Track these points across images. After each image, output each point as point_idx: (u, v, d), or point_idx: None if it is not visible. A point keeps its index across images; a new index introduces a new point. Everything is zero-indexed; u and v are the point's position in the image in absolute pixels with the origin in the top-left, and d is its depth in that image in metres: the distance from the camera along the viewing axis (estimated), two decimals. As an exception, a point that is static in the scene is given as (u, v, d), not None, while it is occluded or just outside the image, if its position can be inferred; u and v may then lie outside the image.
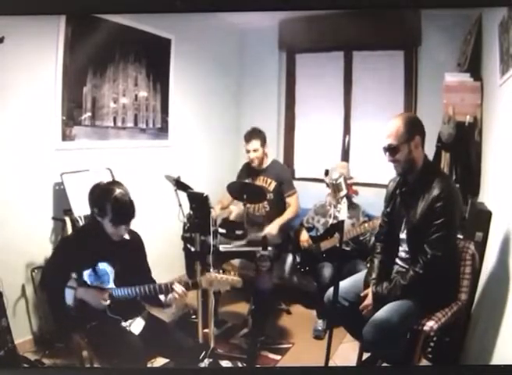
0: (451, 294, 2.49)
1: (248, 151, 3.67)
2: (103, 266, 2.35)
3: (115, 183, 2.46)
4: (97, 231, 2.39)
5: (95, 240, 2.38)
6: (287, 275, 4.13)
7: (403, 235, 2.49)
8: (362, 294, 2.50)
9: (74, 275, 2.34)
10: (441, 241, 2.29)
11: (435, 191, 2.29)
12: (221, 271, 2.45)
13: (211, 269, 2.49)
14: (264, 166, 3.74)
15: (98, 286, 2.34)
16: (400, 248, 2.52)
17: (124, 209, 2.33)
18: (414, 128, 2.36)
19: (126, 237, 2.48)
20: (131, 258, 2.47)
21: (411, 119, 2.41)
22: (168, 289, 2.38)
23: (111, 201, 2.30)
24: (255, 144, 3.64)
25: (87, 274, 2.34)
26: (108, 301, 2.32)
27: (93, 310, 2.32)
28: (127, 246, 2.47)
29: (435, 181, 2.32)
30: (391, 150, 2.37)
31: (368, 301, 2.45)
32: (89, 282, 2.34)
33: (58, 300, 2.34)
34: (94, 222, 2.40)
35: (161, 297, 2.44)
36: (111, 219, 2.32)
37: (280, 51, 4.58)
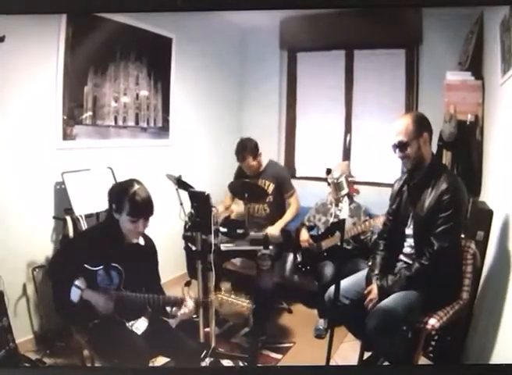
0: (454, 292, 2.50)
1: (243, 167, 3.64)
2: (114, 268, 2.33)
3: (134, 180, 2.43)
4: (113, 232, 2.36)
5: (109, 240, 2.36)
6: (288, 274, 4.13)
7: (409, 230, 2.51)
8: (366, 291, 2.50)
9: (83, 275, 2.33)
10: (448, 232, 2.34)
11: (443, 185, 2.36)
12: (232, 293, 2.45)
13: (223, 291, 2.48)
14: (261, 169, 3.69)
15: (106, 288, 2.32)
16: (405, 244, 2.54)
17: (142, 202, 2.31)
18: (422, 125, 2.43)
19: (141, 242, 2.47)
20: (143, 263, 2.45)
21: (419, 117, 2.47)
22: (178, 303, 2.38)
23: (129, 195, 2.29)
24: (248, 161, 3.59)
25: (97, 274, 2.32)
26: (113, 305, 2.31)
27: (96, 310, 2.31)
28: (140, 251, 2.45)
29: (443, 176, 2.39)
30: (401, 146, 2.43)
31: (373, 295, 2.46)
32: (98, 281, 2.32)
33: (62, 293, 2.32)
34: (110, 222, 2.38)
35: (168, 308, 2.43)
36: (128, 213, 2.29)
37: (281, 50, 4.58)
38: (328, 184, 3.18)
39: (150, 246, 2.53)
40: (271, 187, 3.65)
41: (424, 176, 2.44)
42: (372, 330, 2.38)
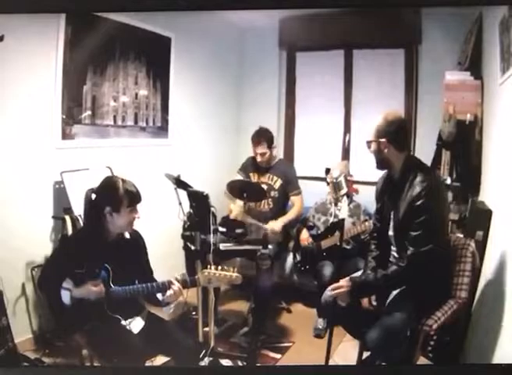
0: (444, 291, 2.47)
1: (256, 154, 3.67)
2: (103, 268, 2.33)
3: (111, 177, 2.52)
4: (97, 231, 2.38)
5: (94, 240, 2.37)
6: (288, 273, 4.13)
7: (391, 232, 2.47)
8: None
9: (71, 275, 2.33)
10: (422, 238, 2.26)
11: (416, 189, 2.26)
12: (219, 267, 2.45)
13: (209, 266, 2.48)
14: (271, 163, 3.74)
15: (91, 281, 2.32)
16: (392, 247, 2.50)
17: (134, 189, 2.39)
18: (383, 130, 2.35)
19: (127, 236, 2.48)
20: (131, 257, 2.46)
21: (387, 122, 2.37)
22: (166, 287, 2.38)
23: (122, 187, 2.35)
24: (262, 148, 3.63)
25: (86, 275, 2.32)
26: (104, 289, 2.31)
27: (92, 309, 2.31)
28: (127, 245, 2.46)
29: (417, 178, 2.29)
30: (367, 142, 2.42)
31: (342, 282, 2.42)
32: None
33: (57, 301, 2.32)
34: (95, 222, 2.40)
35: (159, 295, 2.44)
36: (128, 204, 2.35)
37: (280, 49, 4.59)
38: (328, 184, 3.19)
39: (136, 237, 2.54)
40: (278, 183, 3.72)
41: (400, 178, 2.37)
42: (375, 349, 2.40)
